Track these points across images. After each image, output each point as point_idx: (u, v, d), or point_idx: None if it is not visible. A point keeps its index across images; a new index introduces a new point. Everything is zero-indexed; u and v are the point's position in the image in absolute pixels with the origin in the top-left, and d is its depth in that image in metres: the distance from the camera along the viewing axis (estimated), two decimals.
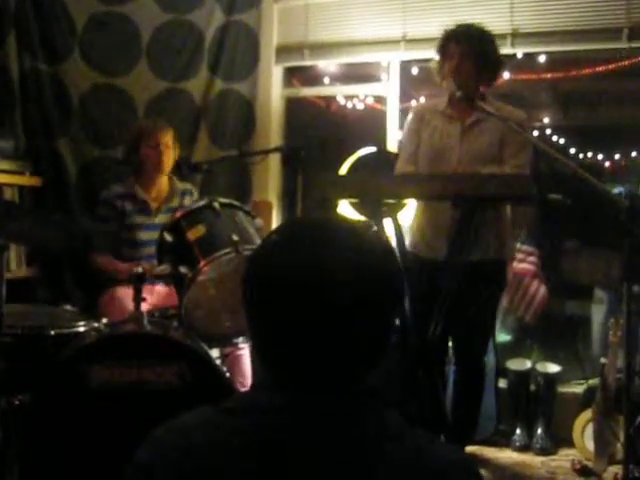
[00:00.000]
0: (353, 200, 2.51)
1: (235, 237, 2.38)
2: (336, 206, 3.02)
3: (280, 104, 4.06)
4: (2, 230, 2.17)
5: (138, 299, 2.38)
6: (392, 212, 2.41)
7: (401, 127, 3.89)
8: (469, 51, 2.63)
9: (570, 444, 3.23)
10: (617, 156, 6.33)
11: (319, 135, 4.65)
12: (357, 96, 4.89)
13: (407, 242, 2.65)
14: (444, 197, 2.34)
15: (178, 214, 2.55)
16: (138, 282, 2.38)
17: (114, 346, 2.19)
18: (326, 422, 0.91)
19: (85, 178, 3.74)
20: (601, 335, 3.77)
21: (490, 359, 3.24)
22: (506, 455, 3.25)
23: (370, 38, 3.73)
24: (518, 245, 3.63)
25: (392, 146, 3.82)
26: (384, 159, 3.48)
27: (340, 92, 4.62)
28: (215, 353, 2.63)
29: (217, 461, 0.89)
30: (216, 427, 0.93)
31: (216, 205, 2.49)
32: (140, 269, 2.38)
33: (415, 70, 3.95)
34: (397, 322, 2.25)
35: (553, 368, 3.44)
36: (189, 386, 2.13)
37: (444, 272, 2.38)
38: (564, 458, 3.17)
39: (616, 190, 4.24)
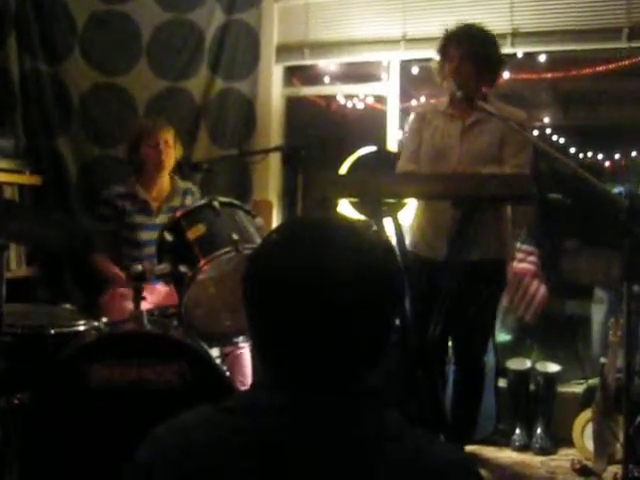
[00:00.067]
0: (353, 199, 2.51)
1: (235, 236, 2.38)
2: (336, 205, 3.02)
3: (280, 103, 4.06)
4: (2, 229, 2.17)
5: (138, 298, 2.38)
6: (392, 211, 2.41)
7: (401, 127, 3.90)
8: (469, 52, 2.63)
9: (570, 444, 3.23)
10: (617, 156, 6.33)
11: (319, 134, 4.65)
12: (357, 95, 4.89)
13: (407, 242, 2.65)
14: (444, 197, 2.34)
15: (178, 213, 2.54)
16: (138, 281, 2.38)
17: (114, 345, 2.19)
18: (326, 422, 0.91)
19: (85, 177, 3.74)
20: (601, 335, 3.77)
21: (490, 359, 3.24)
22: (506, 455, 3.25)
23: (370, 37, 3.73)
24: (518, 245, 3.63)
25: (392, 146, 3.82)
26: (384, 158, 3.48)
27: (340, 91, 4.62)
28: (215, 352, 2.63)
29: (217, 460, 0.89)
30: (216, 426, 0.93)
31: (216, 204, 2.49)
32: (140, 268, 2.38)
33: (415, 70, 3.95)
34: (397, 322, 2.25)
35: (553, 368, 3.44)
36: (189, 385, 2.13)
37: (444, 272, 2.38)
38: (564, 458, 3.17)
39: (616, 190, 4.24)
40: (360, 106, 5.10)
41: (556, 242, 4.10)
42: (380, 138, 3.86)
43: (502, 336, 3.83)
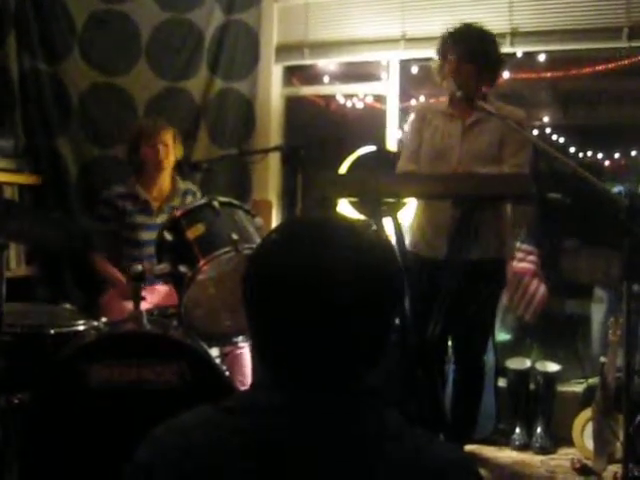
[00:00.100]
0: (353, 199, 2.51)
1: (235, 236, 2.37)
2: (336, 205, 3.02)
3: (280, 103, 4.06)
4: (2, 229, 2.17)
5: (138, 298, 2.38)
6: (392, 211, 2.41)
7: (401, 126, 3.90)
8: (469, 52, 2.63)
9: (570, 443, 3.23)
10: (617, 155, 6.32)
11: (319, 134, 4.64)
12: (357, 95, 4.88)
13: (407, 241, 2.65)
14: (443, 196, 2.34)
15: (177, 212, 2.54)
16: (137, 281, 2.38)
17: (114, 345, 2.19)
18: (325, 421, 0.91)
19: (85, 177, 3.74)
20: (601, 334, 3.77)
21: (490, 358, 3.24)
22: (505, 454, 3.25)
23: (370, 37, 3.73)
24: (518, 244, 3.63)
25: (392, 145, 3.82)
26: (384, 158, 3.48)
27: (340, 91, 4.62)
28: (215, 352, 2.63)
29: (217, 460, 0.89)
30: (216, 426, 0.93)
31: (216, 204, 2.49)
32: (139, 268, 2.38)
33: (415, 69, 3.95)
34: (397, 321, 2.24)
35: (553, 367, 3.44)
36: (189, 385, 2.13)
37: (444, 271, 2.38)
38: (564, 457, 3.17)
39: (616, 189, 4.24)
40: (359, 106, 5.09)
41: (556, 241, 4.10)
42: (380, 138, 3.86)
43: (502, 335, 3.83)
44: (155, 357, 2.14)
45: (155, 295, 3.08)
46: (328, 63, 4.07)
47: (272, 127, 3.95)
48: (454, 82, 2.61)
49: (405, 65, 3.87)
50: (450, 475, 0.90)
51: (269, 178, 3.93)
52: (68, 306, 2.63)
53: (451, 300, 2.35)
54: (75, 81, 3.72)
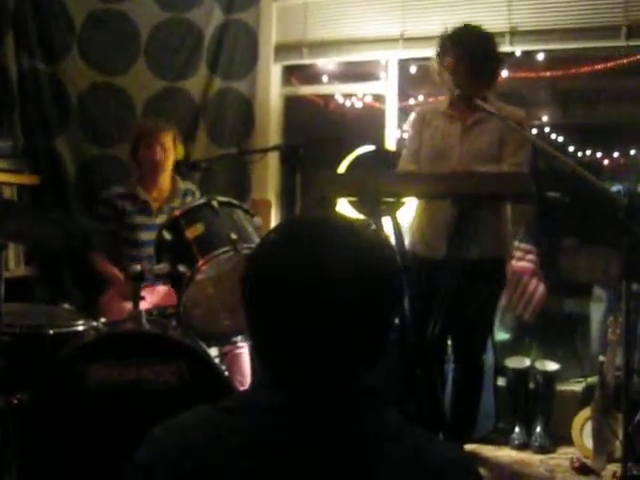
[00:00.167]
0: (352, 198, 2.50)
1: (234, 236, 2.37)
2: (335, 204, 3.02)
3: (279, 102, 4.05)
4: (1, 229, 2.17)
5: (137, 298, 2.38)
6: (391, 211, 2.41)
7: (400, 126, 3.90)
8: (467, 53, 2.63)
9: (569, 442, 3.23)
10: (616, 154, 6.32)
11: (318, 133, 4.65)
12: (356, 94, 4.88)
13: (406, 241, 2.65)
14: (443, 196, 2.34)
15: (177, 212, 2.54)
16: (137, 281, 2.38)
17: (113, 345, 2.19)
18: (325, 421, 0.91)
19: (83, 177, 3.74)
20: (600, 333, 3.77)
21: (489, 357, 3.24)
22: (505, 453, 3.25)
23: (369, 36, 3.73)
24: (517, 243, 3.63)
25: (391, 144, 3.81)
26: (383, 157, 3.48)
27: (339, 90, 4.62)
28: (214, 352, 2.63)
29: (216, 460, 0.89)
30: (215, 426, 0.93)
31: (215, 203, 2.49)
32: (139, 268, 2.38)
33: (414, 68, 3.94)
34: (396, 321, 2.24)
35: (552, 366, 3.44)
36: (188, 385, 2.13)
37: (443, 271, 2.38)
38: (563, 456, 3.17)
39: (615, 188, 4.25)
40: (358, 105, 5.09)
41: (555, 240, 4.10)
42: (379, 137, 3.86)
43: (501, 335, 3.83)
44: (154, 357, 2.14)
45: (154, 295, 3.08)
46: (327, 62, 4.07)
47: (271, 126, 3.95)
48: (453, 82, 2.61)
49: (404, 65, 3.87)
50: (450, 474, 0.90)
51: (268, 177, 3.93)
52: (67, 306, 2.62)
53: (451, 299, 2.35)
54: (74, 81, 3.72)
